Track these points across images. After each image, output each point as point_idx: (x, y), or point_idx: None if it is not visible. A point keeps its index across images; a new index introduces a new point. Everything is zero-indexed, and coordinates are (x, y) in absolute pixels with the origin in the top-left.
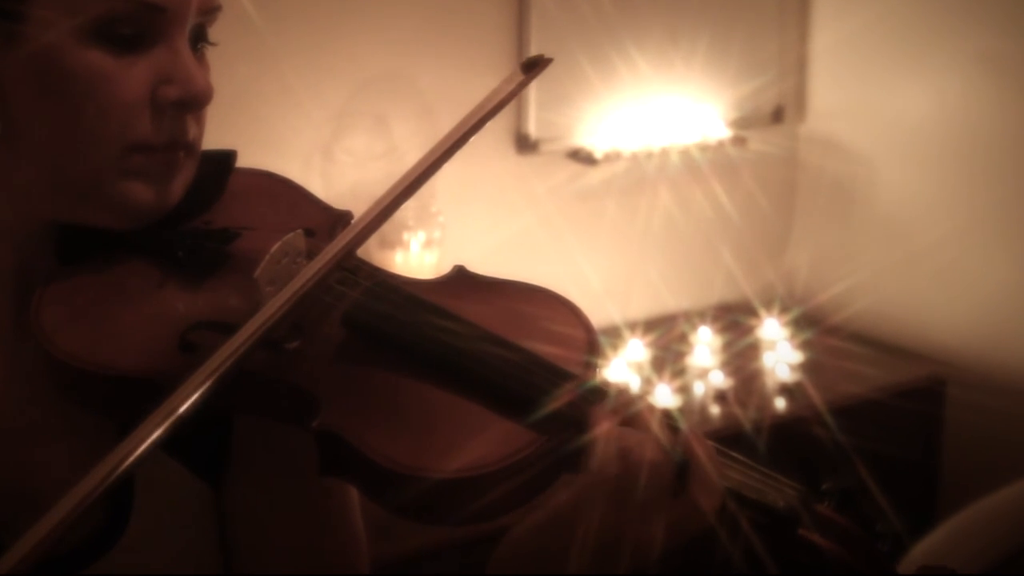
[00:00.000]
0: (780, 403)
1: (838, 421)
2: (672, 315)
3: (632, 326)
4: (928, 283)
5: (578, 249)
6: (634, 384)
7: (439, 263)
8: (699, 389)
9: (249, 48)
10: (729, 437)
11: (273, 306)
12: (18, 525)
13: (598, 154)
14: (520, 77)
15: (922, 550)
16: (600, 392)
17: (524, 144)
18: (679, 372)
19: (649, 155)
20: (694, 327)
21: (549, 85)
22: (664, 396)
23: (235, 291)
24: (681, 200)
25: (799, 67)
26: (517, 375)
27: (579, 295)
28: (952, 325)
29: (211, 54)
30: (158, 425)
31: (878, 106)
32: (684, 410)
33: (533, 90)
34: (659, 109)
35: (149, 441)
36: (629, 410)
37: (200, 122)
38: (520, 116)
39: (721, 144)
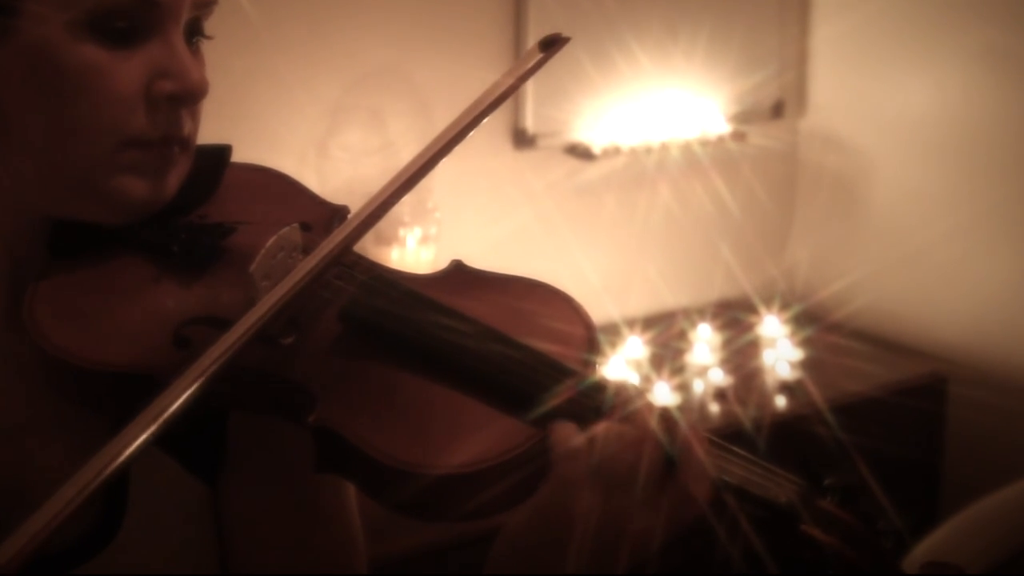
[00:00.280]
0: (780, 401)
1: (839, 419)
2: (671, 312)
3: (631, 323)
4: (930, 279)
5: (576, 245)
6: (632, 381)
7: (435, 259)
8: (698, 387)
9: (243, 42)
10: (729, 436)
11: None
12: (10, 523)
13: (596, 149)
14: (538, 55)
15: (924, 549)
16: (600, 388)
17: (521, 139)
18: (678, 370)
19: (648, 150)
20: (693, 324)
21: (547, 79)
22: (663, 394)
23: (230, 286)
24: (680, 196)
25: (800, 61)
26: (516, 370)
27: (577, 292)
28: (954, 322)
29: (204, 48)
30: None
31: (879, 101)
32: (683, 408)
33: (531, 84)
34: (658, 104)
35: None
36: (627, 408)
37: (195, 117)
38: (517, 111)
39: (721, 139)
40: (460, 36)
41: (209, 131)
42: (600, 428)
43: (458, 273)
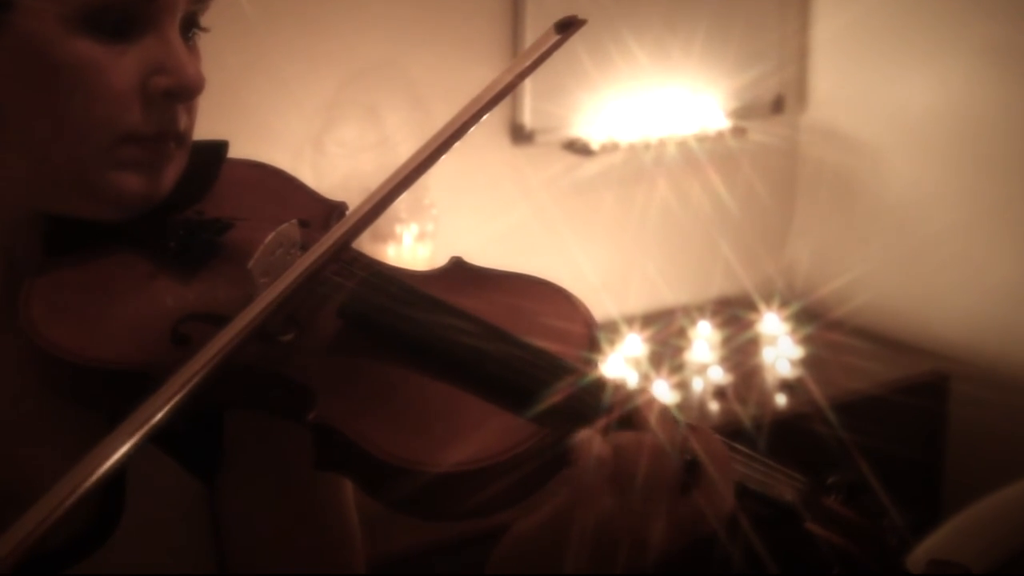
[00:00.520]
0: (780, 399)
1: (840, 418)
2: (670, 309)
3: (629, 321)
4: (932, 276)
5: (574, 242)
6: (631, 380)
7: (432, 257)
8: (698, 385)
9: (238, 37)
10: (729, 434)
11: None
12: (5, 521)
13: (595, 145)
14: (554, 37)
15: (926, 549)
16: (601, 385)
17: (519, 135)
18: (677, 368)
19: (647, 146)
20: (693, 322)
21: (544, 74)
22: (662, 392)
23: (228, 282)
24: (679, 192)
25: (800, 56)
26: (517, 367)
27: (575, 289)
28: (956, 319)
29: (200, 43)
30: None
31: (881, 95)
32: (682, 407)
33: (528, 79)
34: (657, 99)
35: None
36: (627, 406)
37: (191, 112)
38: (515, 106)
39: (720, 135)
40: (457, 31)
41: (204, 127)
42: (624, 438)
43: (458, 270)
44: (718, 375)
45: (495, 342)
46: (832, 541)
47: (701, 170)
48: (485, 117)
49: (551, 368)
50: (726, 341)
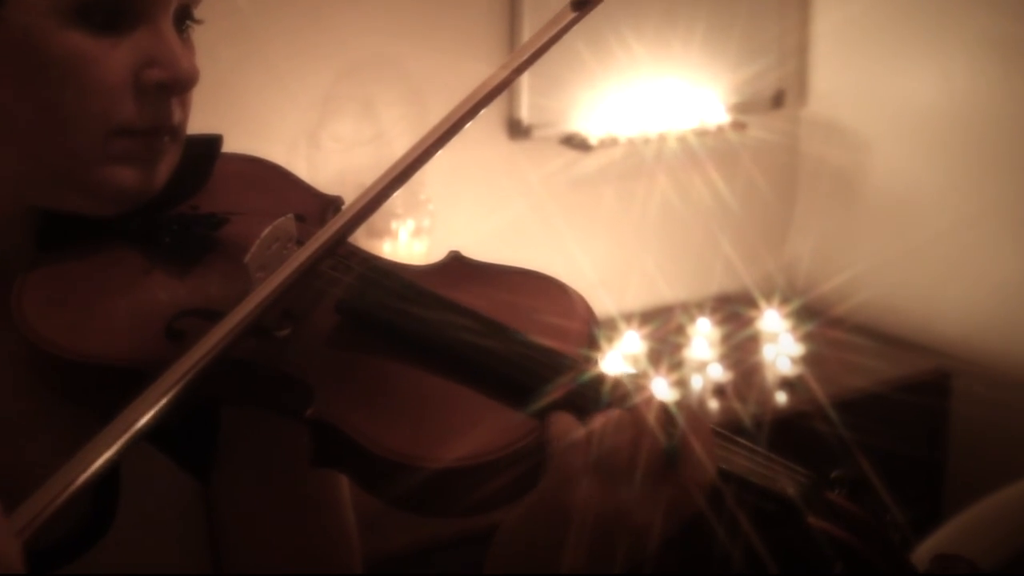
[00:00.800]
0: (781, 397)
1: (841, 416)
2: (669, 306)
3: (628, 317)
4: (934, 273)
5: (572, 238)
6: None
7: (428, 253)
8: (697, 383)
9: (233, 30)
10: (729, 432)
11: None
12: None
13: (593, 140)
14: (570, 15)
15: (928, 548)
16: (600, 380)
17: (516, 130)
18: (676, 365)
19: (646, 141)
20: (692, 319)
21: (542, 68)
22: (661, 390)
23: (224, 277)
24: (679, 187)
25: (801, 50)
26: (515, 362)
27: (573, 286)
28: (958, 316)
29: (194, 36)
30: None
31: (882, 90)
32: (681, 405)
33: (526, 73)
34: (656, 93)
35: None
36: (627, 401)
37: (185, 105)
38: (512, 101)
39: (720, 129)
40: (453, 24)
41: (198, 120)
42: (599, 421)
43: (456, 264)
44: (718, 373)
45: (493, 337)
46: (835, 536)
47: (700, 165)
48: (484, 111)
49: (550, 363)
50: (726, 338)
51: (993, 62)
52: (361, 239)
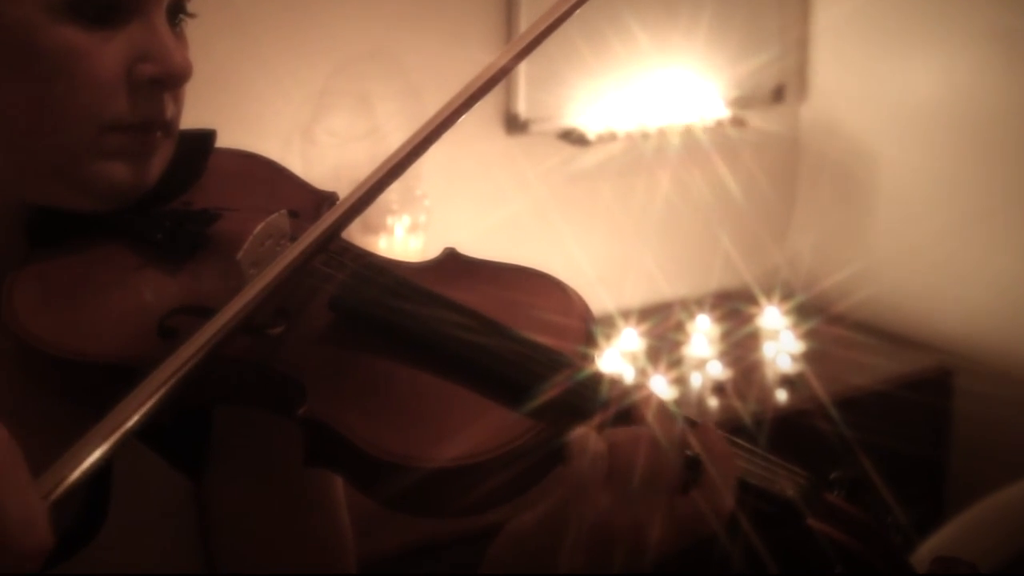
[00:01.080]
0: (781, 395)
1: (842, 414)
2: (668, 303)
3: (627, 314)
4: (935, 270)
5: (570, 234)
6: (628, 375)
7: (424, 249)
8: (696, 380)
9: (226, 24)
10: (728, 431)
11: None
12: None
13: (591, 135)
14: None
15: (930, 547)
16: (598, 379)
17: (513, 124)
18: (675, 363)
19: (645, 136)
20: (691, 315)
21: (540, 62)
22: (660, 388)
23: (216, 274)
24: (678, 183)
25: (801, 44)
26: (512, 360)
27: (571, 283)
28: (960, 313)
29: (187, 30)
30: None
31: (883, 85)
32: (680, 403)
33: (523, 67)
34: (655, 88)
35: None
36: (624, 402)
37: (178, 100)
38: (509, 95)
39: (720, 124)
40: (450, 19)
41: (192, 115)
42: (620, 435)
43: (451, 261)
44: (717, 370)
45: (489, 335)
46: (834, 538)
47: (701, 160)
48: (480, 105)
49: (547, 362)
50: (725, 335)
51: (995, 56)
52: (356, 235)
